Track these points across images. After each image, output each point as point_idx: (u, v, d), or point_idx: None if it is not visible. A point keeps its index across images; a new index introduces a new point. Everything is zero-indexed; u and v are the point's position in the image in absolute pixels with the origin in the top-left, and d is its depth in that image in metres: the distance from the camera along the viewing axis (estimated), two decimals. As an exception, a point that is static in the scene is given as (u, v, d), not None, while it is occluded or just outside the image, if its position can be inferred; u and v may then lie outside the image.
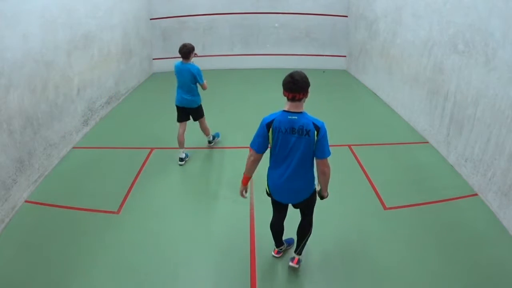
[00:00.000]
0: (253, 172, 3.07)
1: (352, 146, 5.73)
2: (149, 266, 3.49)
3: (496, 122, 4.18)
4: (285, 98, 2.87)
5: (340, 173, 5.08)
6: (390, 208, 4.32)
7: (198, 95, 5.20)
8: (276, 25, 9.89)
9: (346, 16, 9.76)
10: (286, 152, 2.90)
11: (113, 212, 4.25)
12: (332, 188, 4.70)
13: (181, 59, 4.99)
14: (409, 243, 3.78)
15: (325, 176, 2.97)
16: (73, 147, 5.73)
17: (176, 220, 4.16)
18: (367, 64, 8.68)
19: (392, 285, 3.30)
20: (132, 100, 7.95)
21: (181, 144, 5.18)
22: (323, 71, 9.36)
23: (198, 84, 5.11)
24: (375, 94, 8.13)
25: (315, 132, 2.82)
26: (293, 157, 2.90)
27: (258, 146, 2.95)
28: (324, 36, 10.01)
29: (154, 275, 3.40)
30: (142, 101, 7.94)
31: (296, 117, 2.84)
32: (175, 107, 5.20)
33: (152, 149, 5.67)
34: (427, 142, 5.85)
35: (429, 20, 5.72)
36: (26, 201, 4.42)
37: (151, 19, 9.61)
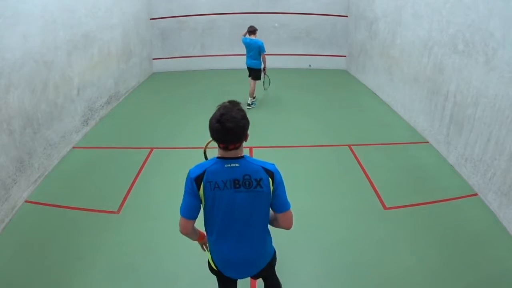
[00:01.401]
0: (196, 237, 2.33)
1: (352, 146, 5.73)
2: (149, 266, 3.49)
3: (496, 122, 4.18)
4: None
5: (340, 173, 5.10)
6: (390, 208, 4.32)
7: (260, 61, 7.16)
8: (276, 25, 9.90)
9: (346, 16, 9.77)
10: (230, 216, 2.10)
11: (113, 212, 4.25)
12: (332, 187, 4.74)
13: (248, 35, 7.06)
14: (409, 243, 3.78)
15: (287, 229, 2.23)
16: (73, 147, 5.73)
17: (176, 220, 4.12)
18: (367, 64, 8.68)
19: (392, 285, 3.29)
20: (132, 100, 7.95)
21: (251, 94, 7.30)
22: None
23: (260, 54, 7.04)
24: (375, 94, 8.13)
25: (269, 180, 2.06)
26: (243, 221, 2.11)
27: (190, 211, 2.11)
28: (324, 36, 10.02)
29: (154, 275, 3.40)
30: (142, 101, 7.94)
31: (237, 164, 2.05)
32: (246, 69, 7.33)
33: (152, 149, 5.67)
34: (427, 142, 5.85)
35: (429, 20, 5.72)
36: (26, 201, 4.42)
37: (151, 19, 9.61)
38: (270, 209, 2.18)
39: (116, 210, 4.28)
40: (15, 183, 4.26)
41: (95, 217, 4.16)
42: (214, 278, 3.36)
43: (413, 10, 6.31)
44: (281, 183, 2.12)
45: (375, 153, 5.59)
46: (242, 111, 2.03)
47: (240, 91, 8.48)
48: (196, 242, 2.41)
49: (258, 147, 5.47)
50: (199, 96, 8.09)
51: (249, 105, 7.28)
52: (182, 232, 2.21)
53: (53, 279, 3.33)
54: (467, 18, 4.72)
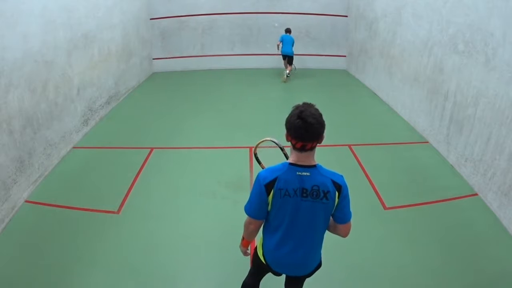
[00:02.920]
0: (254, 237, 2.34)
1: (352, 146, 5.73)
2: (149, 266, 3.48)
3: (496, 122, 4.18)
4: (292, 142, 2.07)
5: (340, 173, 5.09)
6: (390, 208, 4.32)
7: (292, 50, 9.09)
8: (276, 25, 9.90)
9: (346, 16, 9.77)
10: (293, 222, 2.13)
11: (113, 212, 4.25)
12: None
13: (284, 33, 9.09)
14: (409, 243, 3.78)
15: (344, 237, 2.31)
16: (73, 147, 5.73)
17: (176, 220, 4.16)
18: (367, 64, 8.68)
19: (392, 285, 3.30)
20: (132, 100, 7.95)
21: (289, 70, 9.17)
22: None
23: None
24: (375, 94, 8.13)
25: (336, 194, 2.08)
26: (304, 228, 2.15)
27: (257, 213, 2.15)
28: (324, 36, 10.02)
29: (154, 275, 3.40)
30: (142, 101, 7.94)
31: (308, 173, 2.04)
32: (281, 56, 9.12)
33: (152, 149, 5.67)
34: (427, 142, 5.85)
35: (429, 20, 5.73)
36: (26, 201, 4.42)
37: (151, 19, 9.61)
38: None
39: (116, 210, 4.28)
40: (15, 183, 4.26)
41: (95, 217, 4.16)
42: (214, 278, 3.37)
43: (413, 10, 6.31)
44: (347, 196, 2.14)
45: (375, 153, 5.59)
46: (318, 110, 2.03)
47: (240, 90, 8.49)
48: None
49: (261, 147, 5.46)
50: (199, 96, 8.09)
51: (287, 75, 9.15)
52: (248, 230, 2.25)
53: (53, 279, 3.32)
54: (467, 18, 4.72)
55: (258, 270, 2.54)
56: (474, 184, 4.61)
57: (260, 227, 2.26)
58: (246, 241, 2.39)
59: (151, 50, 9.82)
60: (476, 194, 4.52)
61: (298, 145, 2.01)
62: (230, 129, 6.34)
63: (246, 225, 2.25)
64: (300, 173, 2.04)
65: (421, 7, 5.99)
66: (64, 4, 5.42)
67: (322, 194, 2.04)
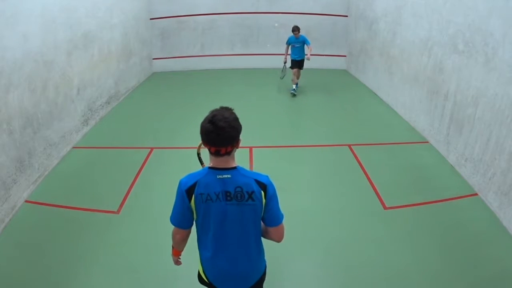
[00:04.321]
0: (183, 246, 2.28)
1: (352, 146, 5.72)
2: (149, 266, 3.49)
3: (496, 122, 4.18)
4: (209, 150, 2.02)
5: (340, 173, 5.10)
6: (390, 208, 4.32)
7: (304, 54, 7.94)
8: (276, 24, 9.89)
9: (346, 16, 9.76)
10: (221, 228, 2.03)
11: (113, 212, 4.25)
12: (332, 187, 4.74)
13: (292, 34, 7.87)
14: (409, 243, 3.78)
15: (277, 242, 2.16)
16: (73, 147, 5.73)
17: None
18: (367, 64, 8.68)
19: (391, 285, 3.30)
20: (132, 100, 7.95)
21: (294, 80, 8.04)
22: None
23: (306, 47, 7.87)
24: (375, 94, 8.13)
25: (262, 193, 1.98)
26: (235, 233, 2.04)
27: (181, 221, 2.07)
28: (324, 36, 10.01)
29: (154, 275, 3.40)
30: (142, 101, 7.94)
31: (229, 176, 1.98)
32: (292, 62, 8.04)
33: (152, 149, 5.67)
34: (427, 142, 5.85)
35: (429, 20, 5.73)
36: (26, 201, 4.42)
37: (151, 19, 9.61)
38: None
39: (116, 210, 4.28)
40: (15, 183, 4.26)
41: (95, 217, 4.16)
42: (214, 278, 3.36)
43: (413, 10, 6.31)
44: (274, 196, 2.03)
45: (375, 153, 5.59)
46: (234, 114, 1.98)
47: (240, 90, 8.48)
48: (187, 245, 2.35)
49: (258, 147, 5.47)
50: (199, 96, 8.08)
51: (293, 91, 8.13)
52: (175, 240, 2.20)
53: (53, 279, 3.33)
54: (467, 18, 4.72)
55: None
56: (474, 184, 4.61)
57: (187, 237, 2.17)
58: (176, 250, 2.34)
59: (151, 50, 9.82)
60: (476, 194, 4.52)
61: (212, 149, 1.96)
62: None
63: (173, 236, 2.18)
64: (220, 176, 1.97)
65: (421, 7, 5.99)
66: (64, 4, 5.42)
67: (246, 195, 1.97)
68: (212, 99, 7.94)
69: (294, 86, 8.14)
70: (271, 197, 2.02)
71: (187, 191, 1.97)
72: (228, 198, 1.97)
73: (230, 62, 10.10)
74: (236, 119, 1.97)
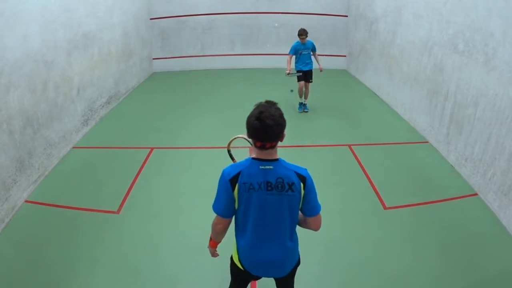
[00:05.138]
0: (222, 237, 2.33)
1: (352, 146, 5.72)
2: (149, 266, 3.48)
3: (496, 121, 4.18)
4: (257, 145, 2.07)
5: (340, 173, 5.10)
6: (390, 208, 4.32)
7: (312, 62, 6.98)
8: (276, 24, 9.89)
9: (346, 16, 9.77)
10: (261, 217, 2.12)
11: (113, 212, 4.25)
12: (332, 187, 4.73)
13: (298, 40, 6.83)
14: (409, 243, 3.78)
15: (315, 231, 2.27)
16: (73, 147, 5.73)
17: (176, 220, 4.15)
18: (367, 64, 8.68)
19: (392, 285, 3.29)
20: (132, 100, 7.95)
21: (300, 93, 7.02)
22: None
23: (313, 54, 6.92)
24: (375, 94, 8.13)
25: (301, 185, 2.08)
26: (273, 223, 2.14)
27: (224, 210, 2.14)
28: (324, 36, 10.00)
29: (154, 275, 3.40)
30: (142, 101, 7.94)
31: (271, 167, 2.07)
32: (299, 71, 6.94)
33: (152, 149, 5.67)
34: (427, 142, 5.85)
35: (429, 20, 5.72)
36: (26, 201, 4.42)
37: (151, 19, 9.61)
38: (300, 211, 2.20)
39: (116, 210, 4.28)
40: (15, 183, 4.26)
41: (95, 217, 4.16)
42: (214, 278, 3.36)
43: (413, 10, 6.30)
44: (312, 188, 2.13)
45: (375, 153, 5.59)
46: (279, 110, 2.05)
47: (240, 90, 8.48)
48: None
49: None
50: (199, 96, 8.09)
51: (304, 105, 7.20)
52: (215, 229, 2.24)
53: (53, 278, 3.32)
54: (467, 18, 4.72)
55: (237, 280, 2.49)
56: (474, 184, 4.61)
57: (227, 226, 2.23)
58: (213, 241, 2.39)
59: (151, 50, 9.82)
60: (476, 194, 4.52)
61: (258, 144, 2.05)
62: (230, 129, 6.29)
63: (214, 225, 2.25)
64: (263, 167, 2.07)
65: (421, 7, 5.99)
66: (64, 4, 5.42)
67: (287, 186, 2.06)
68: (212, 99, 7.97)
69: (302, 101, 7.09)
70: (310, 189, 2.12)
71: (231, 180, 2.06)
72: (269, 188, 2.06)
73: (230, 62, 10.10)
74: (282, 115, 2.04)
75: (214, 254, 2.49)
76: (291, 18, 9.78)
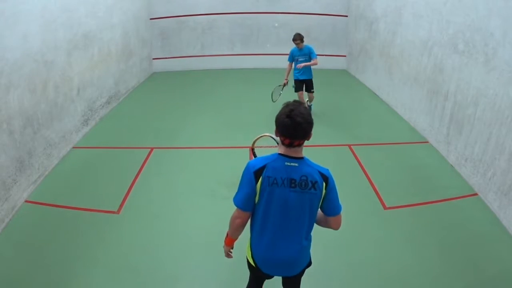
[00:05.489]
0: (239, 234, 2.30)
1: (352, 146, 5.72)
2: (149, 266, 3.48)
3: (496, 122, 4.18)
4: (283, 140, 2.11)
5: (340, 173, 5.07)
6: (390, 208, 4.32)
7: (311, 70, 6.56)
8: (276, 24, 9.89)
9: (346, 16, 9.76)
10: (281, 213, 2.13)
11: (113, 212, 4.25)
12: (332, 188, 4.74)
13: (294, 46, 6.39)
14: (409, 243, 3.78)
15: (335, 229, 2.30)
16: (73, 147, 5.73)
17: (176, 220, 4.16)
18: (367, 64, 8.68)
19: (391, 284, 3.30)
20: (132, 100, 7.95)
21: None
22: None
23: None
24: (375, 94, 8.13)
25: (323, 184, 2.11)
26: (292, 220, 2.14)
27: (246, 203, 2.13)
28: (324, 36, 10.01)
29: (154, 275, 3.40)
30: (142, 101, 7.94)
31: (296, 164, 2.09)
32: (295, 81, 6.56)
33: (152, 149, 5.67)
34: (427, 142, 5.85)
35: (429, 20, 5.72)
36: (26, 201, 4.42)
37: (151, 19, 9.61)
38: (320, 210, 2.22)
39: (116, 210, 4.28)
40: (15, 183, 4.26)
41: (95, 217, 4.16)
42: (213, 278, 3.37)
43: (413, 10, 6.30)
44: (334, 188, 2.17)
45: (375, 153, 5.59)
46: (308, 109, 2.12)
47: (240, 90, 8.49)
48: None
49: (258, 146, 5.45)
50: (199, 96, 8.09)
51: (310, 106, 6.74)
52: (234, 224, 2.22)
53: (53, 278, 3.33)
54: (467, 18, 4.72)
55: (253, 276, 2.51)
56: (474, 184, 4.61)
57: (246, 222, 2.23)
58: (230, 238, 2.35)
59: (151, 50, 9.82)
60: (476, 194, 4.52)
61: (286, 141, 2.08)
62: (230, 129, 6.33)
63: (233, 220, 2.23)
64: (288, 163, 2.09)
65: (421, 7, 5.99)
66: (64, 4, 5.42)
67: (310, 184, 2.09)
68: (212, 99, 7.97)
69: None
70: (331, 189, 2.15)
71: (256, 172, 2.08)
72: (293, 185, 2.08)
73: (230, 62, 10.10)
74: (310, 114, 2.10)
75: (228, 254, 2.46)
76: (291, 18, 9.78)
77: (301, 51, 6.42)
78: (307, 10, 9.71)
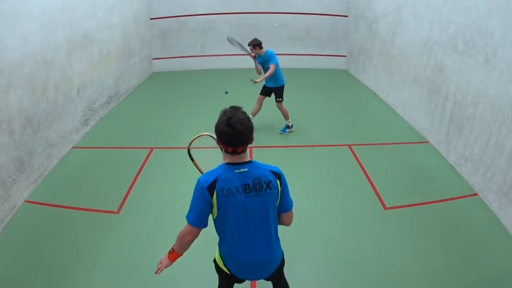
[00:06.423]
0: (185, 250, 2.31)
1: (352, 146, 5.72)
2: (149, 266, 3.47)
3: (496, 122, 4.18)
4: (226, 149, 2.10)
5: (340, 173, 5.10)
6: (390, 208, 4.32)
7: (271, 79, 6.07)
8: (276, 24, 9.89)
9: (346, 16, 9.76)
10: (243, 220, 2.12)
11: (113, 212, 4.25)
12: (332, 187, 4.74)
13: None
14: (409, 243, 3.78)
15: (288, 225, 2.32)
16: (73, 147, 5.72)
17: (176, 220, 4.13)
18: (367, 64, 8.68)
19: (392, 284, 3.29)
20: (132, 100, 7.95)
21: (253, 112, 6.14)
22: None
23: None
24: (375, 94, 8.13)
25: (278, 182, 2.13)
26: (257, 224, 2.14)
27: (200, 220, 2.12)
28: (324, 36, 10.01)
29: (154, 275, 3.39)
30: (142, 101, 7.94)
31: (246, 169, 2.09)
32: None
33: (152, 149, 5.67)
34: (427, 142, 5.85)
35: (429, 19, 5.72)
36: (26, 201, 4.42)
37: (151, 19, 9.61)
38: None
39: (116, 210, 4.28)
40: (15, 183, 4.26)
41: (95, 217, 4.16)
42: (213, 278, 3.35)
43: (413, 10, 6.30)
44: (286, 184, 2.20)
45: (375, 153, 5.59)
46: (246, 113, 2.09)
47: (240, 90, 8.48)
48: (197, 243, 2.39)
49: (258, 146, 5.47)
50: (199, 96, 8.09)
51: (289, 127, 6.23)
52: (184, 240, 2.22)
53: (53, 278, 3.32)
54: (467, 17, 4.72)
55: (224, 283, 2.46)
56: (474, 184, 4.61)
57: (196, 238, 2.21)
58: (176, 254, 2.32)
59: (151, 50, 9.83)
60: (476, 194, 4.52)
61: (230, 149, 2.07)
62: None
63: (183, 236, 2.21)
64: (238, 170, 2.08)
65: (421, 7, 5.99)
66: (64, 4, 5.42)
67: (264, 185, 2.10)
68: (212, 99, 7.96)
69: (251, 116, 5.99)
70: (285, 186, 2.18)
71: (208, 188, 2.05)
72: (247, 190, 2.08)
73: (230, 62, 10.10)
74: (249, 118, 2.09)
75: (161, 270, 2.40)
76: (291, 18, 9.79)
77: (261, 58, 5.98)
78: (307, 10, 9.72)
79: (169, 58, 10.07)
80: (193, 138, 2.66)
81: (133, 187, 4.72)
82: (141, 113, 7.26)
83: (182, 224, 4.19)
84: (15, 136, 4.30)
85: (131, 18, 8.31)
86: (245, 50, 6.27)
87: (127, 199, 4.48)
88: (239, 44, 6.38)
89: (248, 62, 10.06)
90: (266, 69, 6.00)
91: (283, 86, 6.07)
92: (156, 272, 2.40)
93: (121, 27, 7.70)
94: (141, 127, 6.54)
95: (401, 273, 3.40)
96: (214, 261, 2.41)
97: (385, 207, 4.34)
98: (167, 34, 9.89)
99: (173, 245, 2.33)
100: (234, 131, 1.99)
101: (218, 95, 8.12)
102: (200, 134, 2.60)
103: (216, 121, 2.12)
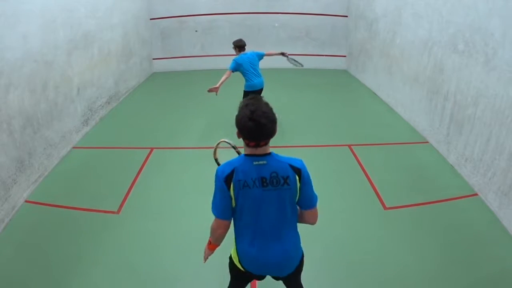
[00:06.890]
0: (221, 241, 2.24)
1: (352, 146, 5.72)
2: (149, 266, 3.48)
3: (496, 122, 4.18)
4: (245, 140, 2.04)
5: (340, 173, 5.10)
6: (390, 208, 4.32)
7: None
8: (276, 25, 9.90)
9: (346, 16, 9.76)
10: (259, 215, 2.04)
11: (113, 212, 4.25)
12: (332, 187, 4.74)
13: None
14: (409, 243, 3.78)
15: (312, 224, 2.22)
16: (73, 147, 5.73)
17: (176, 220, 4.15)
18: (367, 64, 8.68)
19: (392, 284, 3.29)
20: (132, 100, 7.95)
21: None
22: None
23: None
24: (375, 94, 8.13)
25: (296, 178, 2.02)
26: (273, 220, 2.06)
27: (224, 212, 2.06)
28: (324, 36, 10.02)
29: (154, 275, 3.40)
30: (142, 101, 7.94)
31: (264, 162, 2.00)
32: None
33: (152, 149, 5.67)
34: (427, 142, 5.85)
35: (429, 20, 5.72)
36: (26, 201, 4.42)
37: (151, 19, 9.62)
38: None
39: (116, 210, 4.28)
40: (15, 183, 4.26)
41: (95, 217, 4.16)
42: (213, 278, 3.36)
43: (413, 10, 6.30)
44: (308, 180, 2.07)
45: (375, 153, 5.59)
46: (269, 105, 1.98)
47: (240, 90, 8.47)
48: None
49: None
50: (200, 96, 8.06)
51: None
52: (216, 234, 2.16)
53: (53, 279, 3.33)
54: (467, 17, 4.72)
55: (238, 280, 2.40)
56: (474, 184, 4.61)
57: (227, 230, 2.15)
58: (214, 245, 2.28)
59: (151, 50, 9.83)
60: (476, 194, 4.52)
61: (252, 144, 2.00)
62: (231, 129, 6.32)
63: (214, 230, 2.17)
64: (257, 163, 2.00)
65: (421, 7, 5.99)
66: (64, 4, 5.42)
67: (282, 180, 2.00)
68: (212, 99, 7.95)
69: None
70: (306, 181, 2.05)
71: (225, 179, 1.99)
72: (264, 184, 1.99)
73: (230, 62, 10.09)
74: (272, 109, 1.98)
75: (208, 255, 2.38)
76: (291, 18, 9.79)
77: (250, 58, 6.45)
78: (307, 10, 9.72)
79: (169, 58, 10.08)
80: (215, 147, 2.62)
81: (133, 187, 4.72)
82: (141, 113, 7.26)
83: (182, 224, 4.22)
84: (15, 136, 4.30)
85: (131, 18, 8.31)
86: (299, 64, 6.65)
87: (127, 199, 4.48)
88: (294, 60, 6.65)
89: (248, 62, 10.09)
90: (243, 73, 6.35)
91: (246, 92, 6.26)
92: (204, 261, 2.39)
93: (121, 27, 7.70)
94: (141, 127, 6.54)
95: (401, 273, 3.41)
96: (230, 257, 2.34)
97: (385, 207, 4.34)
98: (167, 34, 9.89)
99: (210, 237, 2.28)
100: (258, 126, 1.89)
101: (218, 95, 8.12)
102: (220, 141, 2.56)
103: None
